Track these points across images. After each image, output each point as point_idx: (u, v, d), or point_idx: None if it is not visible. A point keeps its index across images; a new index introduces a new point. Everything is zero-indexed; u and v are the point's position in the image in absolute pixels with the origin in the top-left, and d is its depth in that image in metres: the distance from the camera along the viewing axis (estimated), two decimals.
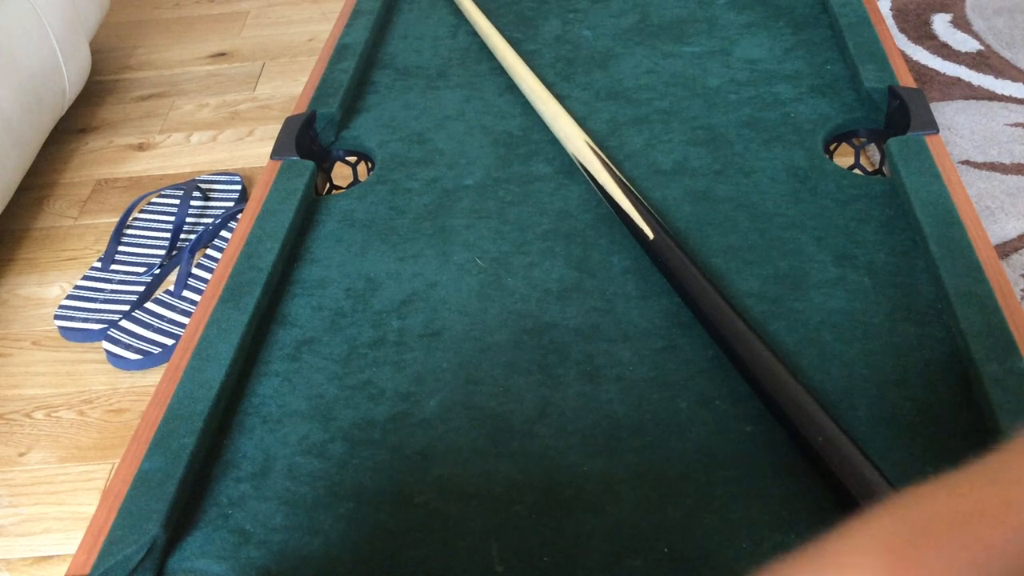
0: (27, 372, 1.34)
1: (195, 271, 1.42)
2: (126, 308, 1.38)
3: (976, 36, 1.78)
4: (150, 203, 1.58)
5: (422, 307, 0.71)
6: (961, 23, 1.82)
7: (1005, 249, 1.25)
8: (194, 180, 1.59)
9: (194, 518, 0.58)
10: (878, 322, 0.65)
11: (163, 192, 1.58)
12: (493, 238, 0.77)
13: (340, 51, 1.00)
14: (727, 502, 0.55)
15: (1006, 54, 1.72)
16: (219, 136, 1.77)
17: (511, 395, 0.63)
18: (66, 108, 1.73)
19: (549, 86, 0.93)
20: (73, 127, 1.83)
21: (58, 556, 1.12)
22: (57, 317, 1.38)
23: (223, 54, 2.01)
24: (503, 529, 0.55)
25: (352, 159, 0.93)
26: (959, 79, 1.67)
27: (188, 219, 1.52)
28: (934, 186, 0.74)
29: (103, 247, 1.53)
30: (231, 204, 1.56)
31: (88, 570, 0.54)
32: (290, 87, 1.88)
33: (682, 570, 0.52)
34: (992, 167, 1.50)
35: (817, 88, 0.90)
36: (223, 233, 1.48)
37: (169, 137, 1.78)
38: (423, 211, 0.81)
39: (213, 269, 1.41)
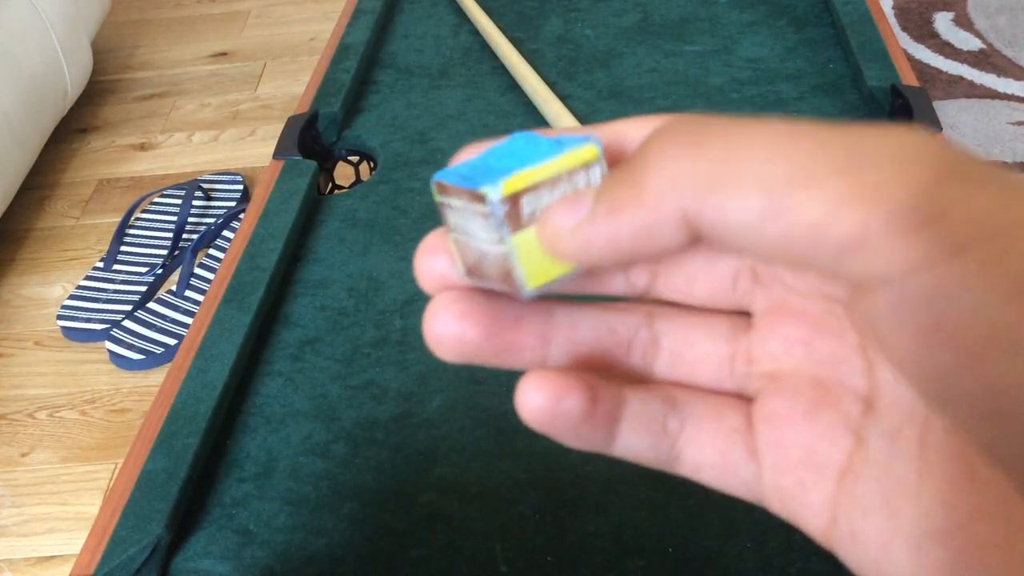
0: (29, 372, 1.34)
1: (197, 271, 1.42)
2: (128, 308, 1.38)
3: (978, 34, 1.78)
4: (152, 203, 1.58)
5: (425, 307, 0.71)
6: (963, 21, 1.82)
7: None
8: (196, 180, 1.59)
9: (198, 518, 0.58)
10: None
11: (165, 192, 1.58)
12: None
13: (342, 51, 1.00)
14: (730, 502, 0.55)
15: (1008, 52, 1.72)
16: (221, 136, 1.77)
17: (514, 394, 0.63)
18: (68, 108, 1.73)
19: (551, 85, 0.93)
20: (75, 127, 1.83)
21: (61, 556, 1.12)
22: (60, 317, 1.38)
23: (224, 54, 2.01)
24: (507, 529, 0.55)
25: (354, 159, 0.93)
26: (961, 78, 1.67)
27: (190, 219, 1.53)
28: None
29: (105, 247, 1.53)
30: (233, 204, 1.56)
31: (92, 570, 0.54)
32: (292, 87, 1.88)
33: (685, 570, 0.52)
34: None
35: (820, 87, 0.89)
36: (225, 233, 1.48)
37: (171, 137, 1.78)
38: (425, 210, 0.81)
39: (215, 269, 1.41)
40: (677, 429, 0.21)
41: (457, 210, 0.21)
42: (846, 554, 0.19)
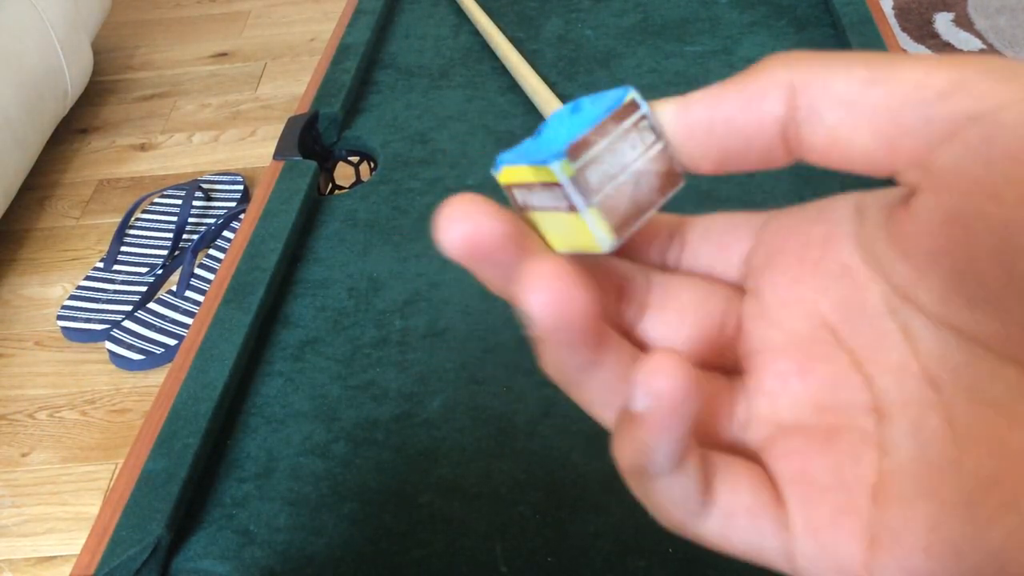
0: (30, 372, 1.34)
1: (197, 271, 1.42)
2: (129, 308, 1.38)
3: (978, 35, 1.78)
4: (152, 203, 1.58)
5: (425, 307, 0.71)
6: (963, 22, 1.82)
7: None
8: (196, 180, 1.59)
9: (198, 518, 0.58)
10: None
11: (165, 192, 1.58)
12: None
13: (342, 51, 0.99)
14: None
15: (1009, 53, 1.72)
16: (221, 136, 1.77)
17: (514, 395, 0.63)
18: (68, 108, 1.73)
19: (551, 86, 0.93)
20: (75, 127, 1.83)
21: (61, 556, 1.12)
22: (60, 317, 1.38)
23: (225, 54, 2.01)
24: (507, 529, 0.55)
25: (355, 159, 0.93)
26: None
27: (190, 219, 1.53)
28: None
29: (105, 247, 1.53)
30: (233, 204, 1.56)
31: (92, 570, 0.54)
32: (292, 87, 1.88)
33: (686, 570, 0.52)
34: None
35: None
36: (225, 233, 1.48)
37: (171, 137, 1.78)
38: (426, 211, 0.81)
39: (216, 269, 1.41)
40: (712, 470, 0.21)
41: (601, 155, 0.20)
42: (888, 564, 0.19)
